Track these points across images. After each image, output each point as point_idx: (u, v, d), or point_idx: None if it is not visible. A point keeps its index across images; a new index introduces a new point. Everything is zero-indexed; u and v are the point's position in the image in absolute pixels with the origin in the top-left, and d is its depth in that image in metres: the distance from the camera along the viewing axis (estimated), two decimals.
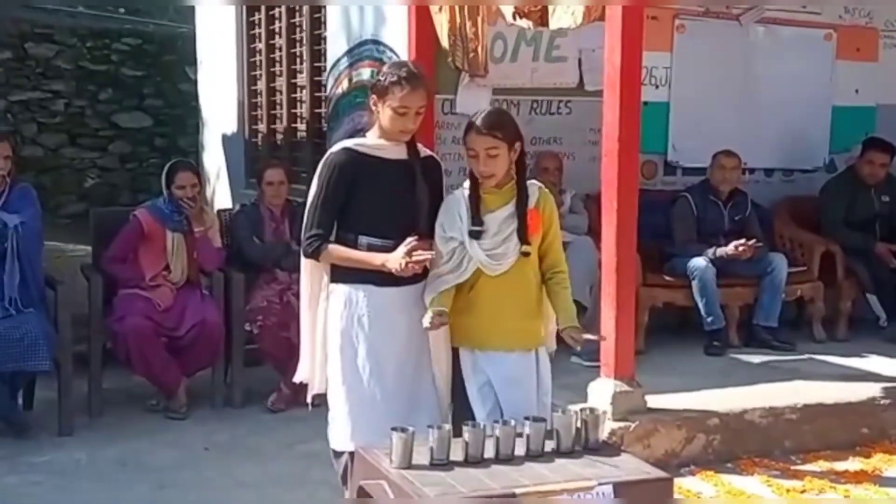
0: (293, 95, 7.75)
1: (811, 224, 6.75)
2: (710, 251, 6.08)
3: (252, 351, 5.75)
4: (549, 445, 3.22)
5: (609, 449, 3.34)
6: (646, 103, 5.32)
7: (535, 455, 3.18)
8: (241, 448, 5.05)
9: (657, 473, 3.18)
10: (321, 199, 3.65)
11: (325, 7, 7.08)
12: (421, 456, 3.08)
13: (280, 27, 7.85)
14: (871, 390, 5.21)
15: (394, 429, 3.11)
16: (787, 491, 4.43)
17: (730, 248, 6.02)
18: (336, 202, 3.65)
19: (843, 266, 6.50)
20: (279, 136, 8.03)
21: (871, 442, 5.01)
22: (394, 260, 3.52)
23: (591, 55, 6.25)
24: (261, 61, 8.21)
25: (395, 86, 3.59)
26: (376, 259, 3.58)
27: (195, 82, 10.10)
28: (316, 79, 7.34)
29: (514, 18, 5.10)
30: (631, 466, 3.16)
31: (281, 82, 7.91)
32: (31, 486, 4.54)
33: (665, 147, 6.79)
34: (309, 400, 3.90)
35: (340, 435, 3.69)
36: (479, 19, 5.55)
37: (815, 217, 6.78)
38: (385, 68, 3.75)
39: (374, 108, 3.69)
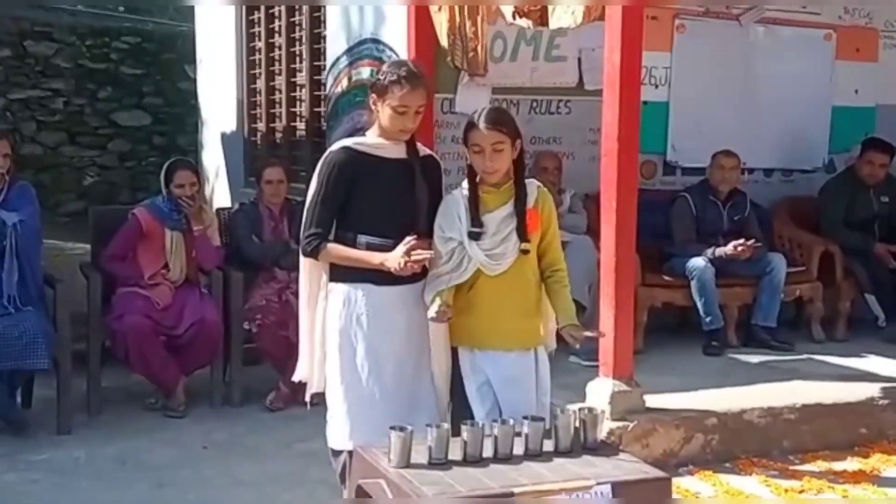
0: (292, 94, 7.75)
1: (810, 224, 6.75)
2: (709, 251, 6.08)
3: (251, 350, 5.75)
4: (548, 445, 3.22)
5: (607, 448, 3.34)
6: (645, 103, 5.33)
7: (533, 454, 3.18)
8: (240, 447, 5.05)
9: (655, 473, 3.17)
10: (320, 198, 3.65)
11: (324, 6, 7.08)
12: (419, 455, 3.08)
13: (279, 26, 7.84)
14: (869, 390, 5.21)
15: (392, 428, 3.11)
16: (786, 491, 4.43)
17: (729, 248, 6.02)
18: (335, 201, 3.65)
19: (842, 266, 6.50)
20: (278, 135, 8.03)
21: (870, 442, 5.01)
22: (393, 259, 3.52)
23: (590, 55, 6.25)
24: (260, 60, 8.21)
25: (394, 85, 3.59)
26: (375, 258, 3.59)
27: (194, 81, 10.10)
28: (315, 77, 7.34)
29: (514, 18, 5.10)
30: (629, 466, 3.16)
31: (280, 81, 7.91)
32: (30, 485, 4.54)
33: (664, 147, 6.79)
34: (307, 399, 3.90)
35: (339, 434, 3.69)
36: (479, 18, 5.54)
37: (815, 217, 6.78)
38: (385, 67, 3.75)
39: (373, 107, 3.69)
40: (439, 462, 3.07)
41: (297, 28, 7.58)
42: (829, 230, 6.66)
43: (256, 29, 8.25)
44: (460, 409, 3.65)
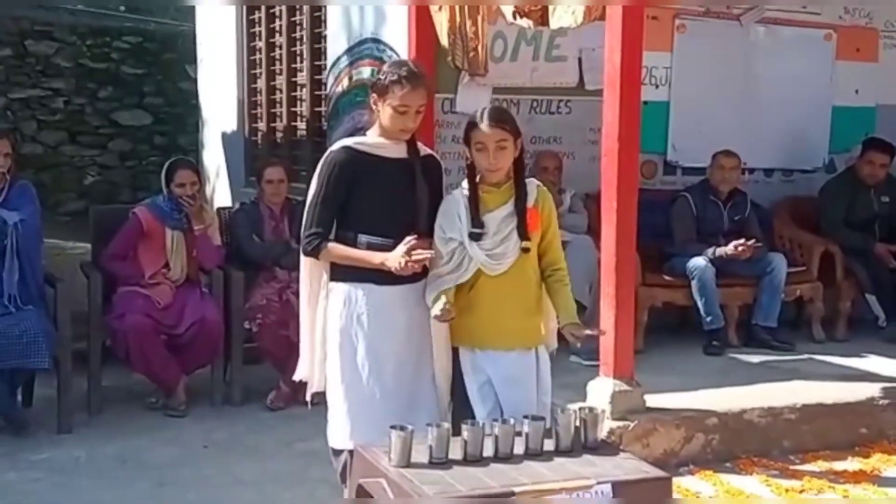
0: (293, 94, 7.75)
1: (811, 224, 6.75)
2: (710, 251, 6.08)
3: (251, 349, 5.75)
4: (548, 444, 3.22)
5: (608, 448, 3.34)
6: (646, 103, 5.32)
7: (533, 454, 3.18)
8: (241, 446, 5.05)
9: (656, 473, 3.18)
10: (321, 198, 3.66)
11: (325, 6, 7.08)
12: (420, 454, 3.09)
13: (280, 25, 7.85)
14: (869, 390, 5.21)
15: (393, 427, 3.11)
16: (786, 491, 4.43)
17: (729, 248, 6.02)
18: (336, 200, 3.66)
19: (843, 266, 6.50)
20: (279, 135, 8.04)
21: (870, 442, 5.01)
22: (393, 259, 3.52)
23: (591, 54, 6.25)
24: (261, 59, 8.21)
25: (395, 84, 3.59)
26: (376, 258, 3.59)
27: (195, 80, 10.10)
28: (316, 77, 7.34)
29: (515, 18, 5.10)
30: (630, 466, 3.16)
31: (281, 81, 7.91)
32: (31, 483, 4.54)
33: (665, 147, 6.80)
34: (308, 398, 3.90)
35: (339, 433, 3.69)
36: (480, 18, 5.55)
37: (815, 217, 6.78)
38: (385, 67, 3.75)
39: (374, 106, 3.69)
40: (440, 461, 3.07)
41: (298, 28, 7.58)
42: (829, 230, 6.66)
43: (257, 28, 8.26)
44: (461, 409, 3.65)
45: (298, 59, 7.62)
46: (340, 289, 3.69)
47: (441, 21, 5.58)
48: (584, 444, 3.26)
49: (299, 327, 3.89)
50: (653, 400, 4.76)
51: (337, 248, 3.65)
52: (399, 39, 6.06)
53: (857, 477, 4.61)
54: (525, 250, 3.61)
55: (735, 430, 4.82)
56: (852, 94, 7.19)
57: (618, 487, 2.99)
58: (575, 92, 6.47)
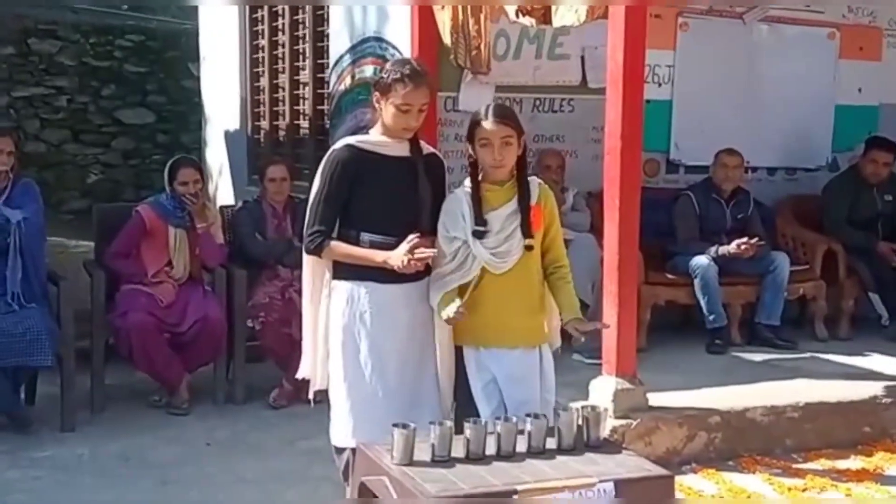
0: (296, 92, 7.76)
1: (814, 223, 6.75)
2: (713, 249, 6.07)
3: (254, 347, 5.75)
4: (551, 442, 3.21)
5: (610, 446, 3.34)
6: (648, 101, 5.32)
7: (536, 452, 3.18)
8: (243, 444, 5.06)
9: (658, 471, 3.17)
10: (324, 196, 3.66)
11: (328, 5, 7.08)
12: (422, 452, 3.08)
13: (283, 24, 7.85)
14: (872, 389, 5.21)
15: (395, 425, 3.10)
16: (789, 489, 4.43)
17: (732, 247, 6.01)
18: (339, 199, 3.65)
19: (846, 265, 6.49)
20: (282, 133, 8.04)
21: (873, 440, 5.01)
22: (396, 257, 3.52)
23: (593, 53, 6.25)
24: (263, 58, 8.21)
25: (397, 83, 3.59)
26: (378, 256, 3.59)
27: (198, 79, 10.11)
28: (319, 76, 7.35)
29: (518, 16, 5.10)
30: (632, 464, 3.16)
31: (284, 79, 7.91)
32: (33, 481, 4.55)
33: (668, 145, 6.79)
34: (311, 396, 3.90)
35: (342, 431, 3.70)
36: (482, 17, 5.55)
37: (818, 216, 6.78)
38: (388, 65, 3.75)
39: (376, 105, 3.69)
40: (442, 459, 3.07)
41: (301, 26, 7.59)
42: (832, 229, 6.66)
43: (260, 27, 8.26)
44: (464, 407, 3.65)
45: (301, 57, 7.62)
46: (343, 287, 3.69)
47: (444, 19, 5.58)
48: (586, 442, 3.26)
49: (302, 325, 3.89)
50: (655, 398, 4.76)
51: (339, 247, 3.65)
52: (402, 38, 6.06)
53: (860, 475, 4.60)
54: (529, 248, 3.61)
55: (738, 429, 4.82)
56: (855, 92, 7.18)
57: (620, 486, 2.99)
58: (578, 90, 6.47)
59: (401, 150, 3.69)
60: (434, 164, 3.79)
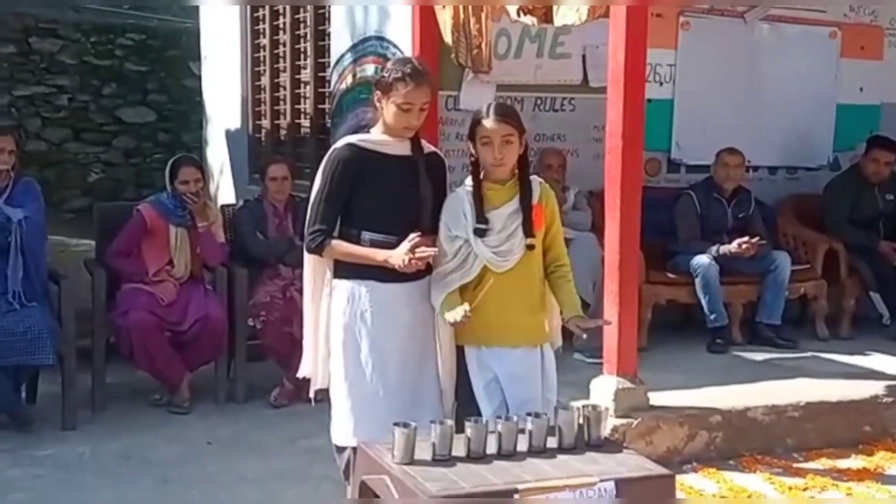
0: (297, 91, 7.76)
1: (815, 222, 6.75)
2: (714, 249, 6.07)
3: (255, 346, 5.75)
4: (552, 442, 3.21)
5: (611, 445, 3.34)
6: (650, 101, 5.32)
7: (537, 451, 3.17)
8: (244, 443, 5.06)
9: (659, 470, 3.17)
10: (325, 195, 3.65)
11: (329, 4, 7.07)
12: (423, 451, 3.08)
13: (284, 23, 7.85)
14: (873, 388, 5.21)
15: (396, 424, 3.10)
16: (790, 488, 4.43)
17: (733, 246, 6.01)
18: (340, 198, 3.65)
19: (847, 264, 6.49)
20: (283, 132, 8.04)
21: (874, 440, 5.01)
22: (397, 256, 3.52)
23: (595, 52, 6.24)
24: (265, 57, 8.21)
25: (398, 82, 3.58)
26: (379, 255, 3.59)
27: (199, 78, 10.12)
28: (320, 75, 7.34)
29: (519, 15, 5.10)
30: (633, 463, 3.15)
31: (285, 78, 7.91)
32: (34, 480, 4.55)
33: (669, 144, 6.79)
34: (311, 395, 3.89)
35: (343, 430, 3.70)
36: (483, 16, 5.55)
37: (819, 215, 6.78)
38: (389, 64, 3.74)
39: (377, 104, 3.69)
40: (443, 458, 3.07)
41: (302, 25, 7.59)
42: (833, 228, 6.66)
43: (261, 26, 8.26)
44: (465, 407, 3.65)
45: (302, 56, 7.62)
46: (344, 286, 3.69)
47: (445, 18, 5.58)
48: (587, 441, 3.26)
49: (303, 324, 3.89)
50: (656, 397, 4.76)
51: (340, 246, 3.65)
52: (403, 37, 6.06)
53: (861, 475, 4.60)
54: (530, 248, 3.61)
55: (739, 428, 4.82)
56: (857, 91, 7.18)
57: (621, 485, 2.98)
58: (579, 89, 6.47)
59: (402, 149, 3.69)
60: (435, 163, 3.79)
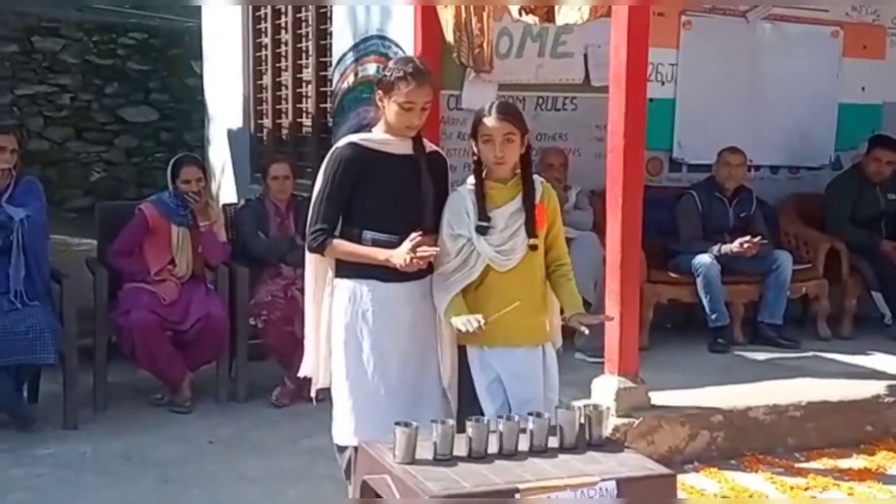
0: (299, 90, 7.76)
1: (817, 221, 6.74)
2: (715, 248, 6.07)
3: (256, 345, 5.75)
4: (553, 441, 3.21)
5: (612, 445, 3.34)
6: (651, 100, 5.32)
7: (538, 451, 3.17)
8: (245, 442, 5.06)
9: (661, 470, 3.17)
10: (326, 194, 3.66)
11: (330, 4, 7.08)
12: (424, 451, 3.08)
13: (286, 22, 7.85)
14: (875, 388, 5.21)
15: (397, 423, 3.11)
16: (791, 488, 4.43)
17: (735, 245, 6.01)
18: (341, 197, 3.65)
19: (849, 264, 6.49)
20: (284, 131, 8.04)
21: (875, 440, 5.01)
22: (398, 255, 3.52)
23: (597, 51, 6.24)
24: (266, 56, 8.21)
25: (400, 81, 3.58)
26: (381, 254, 3.59)
27: (201, 77, 10.12)
28: (321, 74, 7.34)
29: (520, 14, 5.10)
30: (634, 463, 3.15)
31: (286, 77, 7.91)
32: (36, 479, 4.55)
33: (670, 144, 6.79)
34: (313, 395, 3.89)
35: (344, 429, 3.70)
36: (485, 15, 5.55)
37: (821, 214, 6.77)
38: (391, 64, 3.75)
39: (379, 103, 3.69)
40: (444, 458, 3.07)
41: (304, 24, 7.59)
42: (835, 227, 6.65)
43: (263, 25, 8.26)
44: (467, 406, 3.65)
45: (304, 55, 7.62)
46: (345, 285, 3.69)
47: (447, 18, 5.58)
48: (588, 441, 3.26)
49: (304, 324, 3.89)
50: (657, 397, 4.76)
51: (342, 245, 3.65)
52: (405, 36, 6.06)
53: (862, 475, 4.60)
54: (533, 247, 3.61)
55: (740, 428, 4.82)
56: (859, 91, 7.18)
57: (622, 485, 2.98)
58: (581, 88, 6.46)
59: (404, 148, 3.69)
60: (437, 163, 3.79)
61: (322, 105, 7.36)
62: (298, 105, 7.76)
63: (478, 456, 3.10)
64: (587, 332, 3.76)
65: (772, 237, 6.35)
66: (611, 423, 4.42)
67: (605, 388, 4.63)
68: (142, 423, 5.30)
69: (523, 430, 3.20)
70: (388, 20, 6.39)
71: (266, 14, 8.17)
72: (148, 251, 5.62)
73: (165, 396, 5.61)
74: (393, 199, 3.66)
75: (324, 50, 7.28)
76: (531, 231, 3.60)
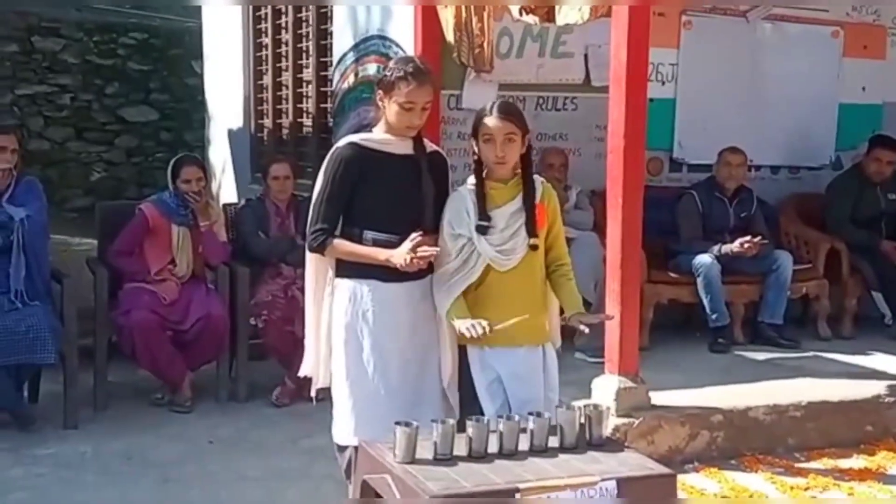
0: (299, 90, 7.76)
1: (817, 221, 6.74)
2: (716, 248, 6.07)
3: (257, 345, 5.75)
4: (553, 441, 3.21)
5: (613, 445, 3.34)
6: (652, 100, 5.31)
7: (538, 450, 3.17)
8: (246, 442, 5.06)
9: (661, 470, 3.17)
10: (327, 194, 3.66)
11: (331, 4, 7.08)
12: (424, 451, 3.08)
13: (286, 22, 7.85)
14: (875, 388, 5.20)
15: (397, 423, 3.11)
16: (791, 488, 4.43)
17: (735, 245, 6.01)
18: (342, 197, 3.65)
19: (849, 264, 6.49)
20: (285, 131, 8.04)
21: (876, 440, 5.01)
22: (399, 255, 3.52)
23: (597, 51, 6.24)
24: (267, 56, 8.21)
25: (401, 81, 3.58)
26: (381, 254, 3.59)
27: (201, 77, 10.12)
28: (322, 74, 7.34)
29: (521, 14, 5.09)
30: (634, 462, 3.15)
31: (287, 77, 7.91)
32: (36, 479, 4.55)
33: (671, 144, 6.79)
34: (313, 394, 3.90)
35: (344, 429, 3.70)
36: (485, 15, 5.55)
37: (821, 214, 6.77)
38: (391, 63, 3.75)
39: (380, 103, 3.69)
40: (444, 458, 3.07)
41: (304, 24, 7.59)
42: (835, 227, 6.65)
43: (263, 25, 8.26)
44: (467, 406, 3.65)
45: (304, 55, 7.62)
46: (346, 285, 3.69)
47: (447, 17, 5.57)
48: (588, 440, 3.26)
49: (304, 324, 3.90)
50: (658, 397, 4.76)
51: (342, 245, 3.65)
52: (405, 36, 6.06)
53: (863, 475, 4.60)
54: (534, 247, 3.61)
55: (740, 428, 4.82)
56: (859, 91, 7.18)
57: (622, 484, 2.98)
58: (581, 88, 6.46)
59: (404, 148, 3.69)
60: (437, 162, 3.79)
61: (322, 105, 7.36)
62: (299, 105, 7.76)
63: (478, 456, 3.10)
64: (587, 331, 3.76)
65: (772, 237, 6.35)
66: (611, 422, 4.42)
67: (606, 388, 4.63)
68: (142, 422, 5.30)
69: (523, 430, 3.20)
70: (389, 20, 6.39)
71: (266, 14, 8.17)
72: (148, 251, 5.62)
73: (166, 396, 5.61)
74: (393, 198, 3.66)
75: (324, 50, 7.28)
76: (531, 231, 3.60)
